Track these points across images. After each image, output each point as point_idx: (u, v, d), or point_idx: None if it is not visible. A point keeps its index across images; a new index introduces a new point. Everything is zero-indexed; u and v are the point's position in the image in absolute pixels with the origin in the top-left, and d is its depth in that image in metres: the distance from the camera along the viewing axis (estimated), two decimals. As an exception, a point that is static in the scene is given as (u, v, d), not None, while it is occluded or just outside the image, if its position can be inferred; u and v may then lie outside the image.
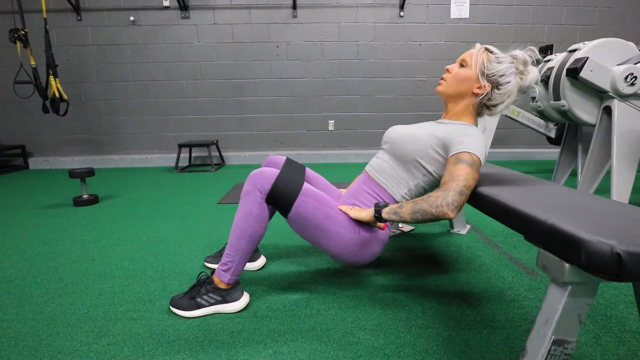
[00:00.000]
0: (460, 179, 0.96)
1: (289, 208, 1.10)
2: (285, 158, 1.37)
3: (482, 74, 1.10)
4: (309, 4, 4.05)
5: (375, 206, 1.08)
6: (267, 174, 1.11)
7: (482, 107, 1.16)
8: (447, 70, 1.17)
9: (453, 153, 1.03)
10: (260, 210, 1.11)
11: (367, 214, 1.11)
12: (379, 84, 4.27)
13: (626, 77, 1.91)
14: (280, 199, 1.09)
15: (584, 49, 2.02)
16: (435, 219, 0.96)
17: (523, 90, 1.13)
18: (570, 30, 4.20)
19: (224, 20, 4.08)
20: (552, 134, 3.40)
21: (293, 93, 4.27)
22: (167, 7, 4.03)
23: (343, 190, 1.42)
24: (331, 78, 4.24)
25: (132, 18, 4.02)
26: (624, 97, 1.95)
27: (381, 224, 1.13)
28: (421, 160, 1.13)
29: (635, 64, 1.91)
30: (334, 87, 4.27)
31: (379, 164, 1.23)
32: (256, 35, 4.12)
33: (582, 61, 1.94)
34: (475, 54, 1.12)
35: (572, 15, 4.16)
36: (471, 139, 1.03)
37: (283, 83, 4.24)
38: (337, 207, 1.16)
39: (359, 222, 1.15)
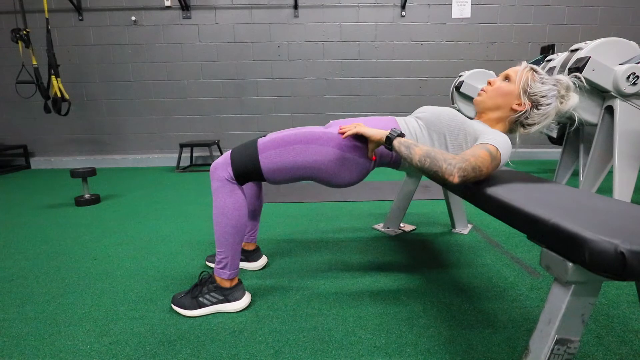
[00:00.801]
0: (479, 158, 0.95)
1: (259, 172, 1.10)
2: None
3: (525, 91, 1.10)
4: (311, 4, 4.05)
5: (392, 129, 1.04)
6: (222, 160, 1.11)
7: (517, 125, 1.16)
8: (489, 82, 1.17)
9: (481, 142, 1.03)
10: (233, 199, 1.11)
11: (377, 132, 1.07)
12: (381, 83, 4.27)
13: (628, 77, 1.90)
14: (245, 171, 1.09)
15: (586, 48, 2.02)
16: (439, 174, 0.93)
17: (561, 115, 1.12)
18: (571, 30, 4.19)
19: (225, 20, 4.08)
20: (554, 134, 3.38)
21: (294, 93, 4.27)
22: (168, 7, 4.04)
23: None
24: (332, 78, 4.24)
25: (133, 18, 4.03)
26: (626, 96, 1.95)
27: (372, 154, 1.13)
28: (449, 138, 1.13)
29: (638, 63, 1.90)
30: (335, 87, 4.27)
31: (410, 120, 1.21)
32: (257, 35, 4.12)
33: (584, 61, 1.94)
34: (521, 71, 1.12)
35: (574, 14, 4.15)
36: (502, 140, 1.03)
37: (284, 83, 4.24)
38: (308, 134, 1.12)
39: (348, 146, 1.12)
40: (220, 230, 1.13)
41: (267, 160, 1.09)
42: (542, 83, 1.09)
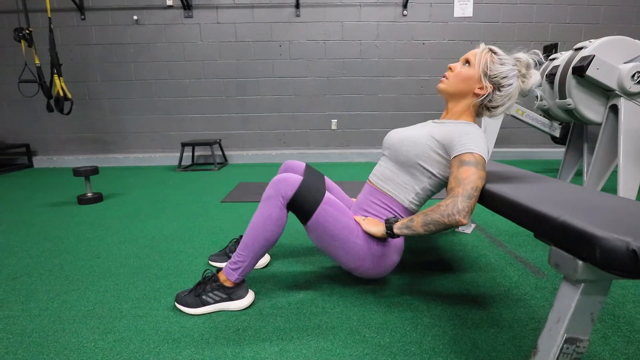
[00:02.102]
0: (466, 182, 0.95)
1: (309, 216, 1.10)
2: (304, 164, 1.37)
3: (485, 74, 1.09)
4: (312, 3, 4.05)
5: (385, 222, 1.07)
6: (290, 180, 1.10)
7: (482, 108, 1.15)
8: (450, 68, 1.16)
9: (455, 155, 1.02)
10: (279, 215, 1.11)
11: (378, 230, 1.09)
12: (382, 83, 4.26)
13: (633, 75, 1.89)
14: (302, 205, 1.09)
15: (590, 47, 2.01)
16: (449, 227, 0.95)
17: (524, 94, 1.11)
18: (574, 29, 4.17)
19: (227, 20, 4.08)
20: (557, 133, 3.38)
21: (296, 92, 4.27)
22: (170, 7, 4.03)
23: (353, 200, 1.41)
24: (334, 77, 4.24)
25: (135, 17, 4.03)
26: (630, 95, 1.93)
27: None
28: (423, 163, 1.12)
29: (642, 62, 1.89)
30: (336, 86, 4.26)
31: (382, 172, 1.22)
32: (259, 35, 4.12)
33: (589, 59, 1.93)
34: (479, 54, 1.11)
35: (577, 13, 4.14)
36: (471, 137, 1.02)
37: (286, 82, 4.24)
38: (353, 217, 1.16)
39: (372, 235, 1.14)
40: (253, 236, 1.12)
41: (322, 212, 1.10)
42: (502, 64, 1.08)
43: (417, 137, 1.13)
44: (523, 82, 1.09)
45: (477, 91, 1.11)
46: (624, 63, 1.95)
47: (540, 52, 1.11)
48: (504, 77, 1.07)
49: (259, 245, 1.12)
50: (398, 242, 1.18)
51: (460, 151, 1.01)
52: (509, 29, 4.15)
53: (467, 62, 1.13)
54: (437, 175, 1.13)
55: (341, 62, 4.20)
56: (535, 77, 1.09)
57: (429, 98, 4.31)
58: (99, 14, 4.04)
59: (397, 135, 1.20)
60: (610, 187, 2.70)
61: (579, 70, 1.97)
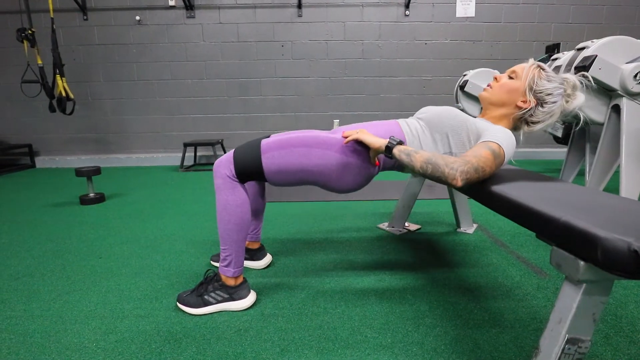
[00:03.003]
0: (481, 158, 0.95)
1: (261, 172, 1.10)
2: None
3: (530, 88, 1.09)
4: (314, 3, 4.05)
5: (390, 138, 1.04)
6: (224, 158, 1.12)
7: (522, 122, 1.15)
8: (496, 78, 1.16)
9: (483, 140, 1.02)
10: (235, 196, 1.11)
11: (376, 140, 1.06)
12: (384, 83, 4.26)
13: (635, 75, 1.88)
14: (247, 169, 1.10)
15: (593, 47, 2.00)
16: (442, 179, 0.93)
17: (566, 114, 1.11)
18: (577, 29, 4.16)
19: (229, 20, 4.08)
20: (559, 133, 3.36)
21: (298, 92, 4.27)
22: (172, 7, 4.04)
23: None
24: (336, 77, 4.24)
25: (138, 17, 4.04)
26: (633, 95, 1.93)
27: (375, 160, 1.12)
28: (451, 137, 1.12)
29: (645, 62, 1.88)
30: (339, 87, 4.26)
31: (412, 122, 1.20)
32: (261, 35, 4.12)
33: (591, 59, 1.92)
34: (527, 68, 1.11)
35: (579, 13, 4.12)
36: (505, 135, 1.03)
37: (288, 82, 4.24)
38: (311, 138, 1.12)
39: (351, 151, 1.11)
40: (223, 227, 1.13)
41: (269, 161, 1.09)
42: (549, 81, 1.08)
43: (460, 114, 1.14)
44: (567, 101, 1.08)
45: (520, 104, 1.11)
46: (627, 63, 1.94)
47: (589, 76, 1.11)
48: (549, 94, 1.08)
49: (233, 232, 1.13)
50: (370, 168, 1.15)
51: (489, 138, 1.01)
52: (511, 28, 4.14)
53: (514, 74, 1.13)
54: (454, 155, 1.13)
55: (343, 62, 4.20)
56: (580, 99, 1.08)
57: (431, 98, 4.31)
58: (101, 15, 4.06)
59: (441, 107, 1.20)
60: (613, 187, 2.69)
61: (582, 70, 1.96)
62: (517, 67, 1.14)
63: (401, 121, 1.21)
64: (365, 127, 1.19)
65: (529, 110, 1.11)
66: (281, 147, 1.10)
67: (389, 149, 1.03)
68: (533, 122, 1.13)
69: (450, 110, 1.15)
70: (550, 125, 1.13)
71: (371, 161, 1.13)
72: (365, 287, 1.30)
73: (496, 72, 2.24)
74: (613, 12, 4.12)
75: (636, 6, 4.11)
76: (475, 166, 0.93)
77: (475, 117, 1.18)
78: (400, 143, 1.03)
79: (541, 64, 1.13)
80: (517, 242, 1.70)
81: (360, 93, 4.28)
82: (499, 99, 1.14)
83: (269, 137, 1.16)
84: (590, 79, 1.11)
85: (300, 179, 1.13)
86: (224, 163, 1.11)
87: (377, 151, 1.08)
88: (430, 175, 0.95)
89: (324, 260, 1.54)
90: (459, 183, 0.92)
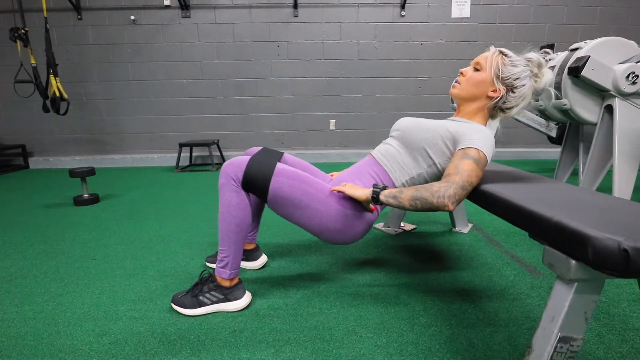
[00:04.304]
0: (464, 173, 0.97)
1: (265, 191, 1.09)
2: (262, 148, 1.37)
3: (497, 77, 1.10)
4: (310, 4, 4.05)
5: (373, 187, 1.06)
6: (237, 162, 1.10)
7: (497, 110, 1.16)
8: (462, 73, 1.17)
9: (461, 147, 1.04)
10: (238, 199, 1.10)
11: (363, 192, 1.08)
12: (380, 83, 4.27)
13: (628, 76, 1.90)
14: (254, 183, 1.09)
15: (586, 47, 2.02)
16: (434, 209, 0.95)
17: (537, 93, 1.13)
18: (571, 30, 4.19)
19: (224, 20, 4.07)
20: (553, 133, 3.39)
21: (294, 92, 4.27)
22: (168, 6, 4.02)
23: (333, 174, 1.38)
24: (332, 77, 4.24)
25: (132, 17, 4.02)
26: (625, 95, 1.95)
27: (371, 207, 1.13)
28: (429, 149, 1.13)
29: (637, 62, 1.90)
30: (335, 87, 4.26)
31: (386, 148, 1.22)
32: (257, 35, 4.11)
33: (584, 60, 1.94)
34: (490, 57, 1.12)
35: (573, 14, 4.16)
36: (481, 136, 1.04)
37: (284, 82, 4.24)
38: (318, 184, 1.13)
39: (348, 200, 1.12)
40: (224, 227, 1.12)
41: (277, 184, 1.09)
42: (513, 65, 1.09)
43: (430, 124, 1.15)
44: (536, 81, 1.10)
45: (491, 94, 1.12)
46: (619, 64, 1.96)
47: (550, 50, 1.12)
48: (517, 79, 1.09)
49: (233, 233, 1.12)
50: (369, 215, 1.17)
51: (467, 145, 1.02)
52: (506, 29, 4.17)
53: (478, 66, 1.14)
54: (437, 164, 1.14)
55: (339, 63, 4.20)
56: (548, 75, 1.10)
57: (427, 98, 4.32)
58: (95, 14, 4.03)
59: (410, 120, 1.22)
60: (606, 186, 2.71)
61: (575, 71, 1.98)
62: (480, 58, 1.14)
63: (375, 153, 1.24)
64: (346, 177, 1.21)
65: (500, 98, 1.12)
66: (292, 178, 1.11)
67: (375, 199, 1.05)
68: (508, 108, 1.14)
69: (420, 123, 1.17)
70: (525, 107, 1.14)
71: (367, 209, 1.14)
72: (361, 287, 1.30)
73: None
74: (606, 13, 4.15)
75: (629, 7, 4.15)
76: (460, 184, 0.95)
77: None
78: (385, 188, 1.06)
79: (503, 49, 1.13)
80: (511, 242, 1.71)
81: (356, 93, 4.29)
82: (469, 93, 1.15)
83: (282, 155, 1.23)
84: (551, 52, 1.12)
85: (293, 215, 1.12)
86: (235, 167, 1.10)
87: (367, 201, 1.09)
88: (422, 209, 0.97)
89: (319, 260, 1.54)
90: (451, 208, 0.94)
